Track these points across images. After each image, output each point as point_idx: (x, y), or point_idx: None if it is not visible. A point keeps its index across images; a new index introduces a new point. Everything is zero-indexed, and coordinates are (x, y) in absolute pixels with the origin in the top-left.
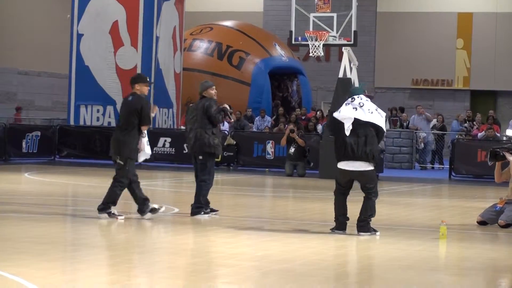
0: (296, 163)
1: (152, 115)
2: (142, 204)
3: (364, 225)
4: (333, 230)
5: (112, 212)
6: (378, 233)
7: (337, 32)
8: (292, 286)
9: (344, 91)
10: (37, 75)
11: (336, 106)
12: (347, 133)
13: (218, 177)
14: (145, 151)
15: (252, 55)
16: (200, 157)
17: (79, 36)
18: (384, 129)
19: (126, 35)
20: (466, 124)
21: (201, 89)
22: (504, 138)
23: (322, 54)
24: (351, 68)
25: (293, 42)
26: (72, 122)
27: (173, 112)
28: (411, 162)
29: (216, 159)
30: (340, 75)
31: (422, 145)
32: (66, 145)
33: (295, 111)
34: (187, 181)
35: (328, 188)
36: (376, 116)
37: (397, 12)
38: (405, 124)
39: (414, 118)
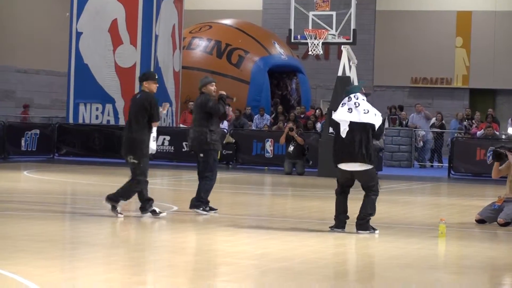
0: (295, 161)
1: (164, 112)
2: (145, 203)
3: (363, 224)
4: (332, 228)
5: (117, 208)
6: (377, 232)
7: (336, 31)
8: (291, 284)
9: (343, 89)
10: (36, 73)
11: (335, 104)
12: (343, 135)
13: (217, 175)
14: (150, 146)
15: (251, 53)
16: (201, 155)
17: (78, 34)
18: (379, 126)
19: (125, 33)
20: (465, 123)
21: (200, 84)
22: (503, 137)
23: (321, 52)
24: (350, 67)
25: (292, 40)
26: (71, 120)
27: (172, 110)
28: (410, 161)
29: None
30: (339, 73)
31: (421, 143)
32: (65, 143)
33: (294, 110)
34: (186, 179)
35: (327, 186)
36: (371, 115)
37: (396, 10)
38: (404, 122)
39: (413, 117)
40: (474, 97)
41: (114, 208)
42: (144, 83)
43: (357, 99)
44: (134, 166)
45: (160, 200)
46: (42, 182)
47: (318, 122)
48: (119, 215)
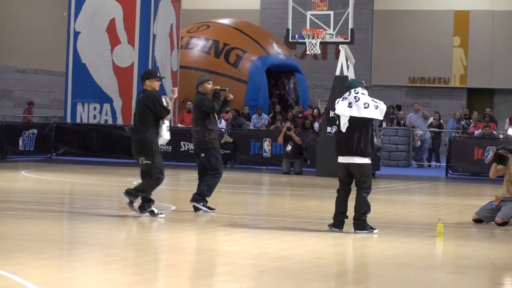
0: (293, 161)
1: (174, 96)
2: (145, 203)
3: (360, 223)
4: (331, 226)
5: (133, 203)
6: (375, 231)
7: (334, 30)
8: (288, 284)
9: (341, 89)
10: (34, 72)
11: (333, 104)
12: (343, 130)
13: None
14: (164, 136)
15: (249, 53)
16: (202, 155)
17: (76, 34)
18: (380, 118)
19: (123, 33)
20: (463, 122)
21: (197, 83)
22: (501, 136)
23: (319, 52)
24: (348, 66)
25: (290, 40)
26: (69, 120)
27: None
28: (408, 160)
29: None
30: (337, 73)
31: (419, 143)
32: (63, 143)
33: (292, 109)
34: (185, 179)
35: (325, 186)
36: (371, 109)
37: (394, 10)
38: (402, 122)
39: (411, 116)
40: (471, 97)
41: (131, 203)
42: (147, 81)
43: (357, 93)
44: (149, 167)
45: (158, 199)
46: (40, 182)
47: (316, 122)
48: (133, 211)
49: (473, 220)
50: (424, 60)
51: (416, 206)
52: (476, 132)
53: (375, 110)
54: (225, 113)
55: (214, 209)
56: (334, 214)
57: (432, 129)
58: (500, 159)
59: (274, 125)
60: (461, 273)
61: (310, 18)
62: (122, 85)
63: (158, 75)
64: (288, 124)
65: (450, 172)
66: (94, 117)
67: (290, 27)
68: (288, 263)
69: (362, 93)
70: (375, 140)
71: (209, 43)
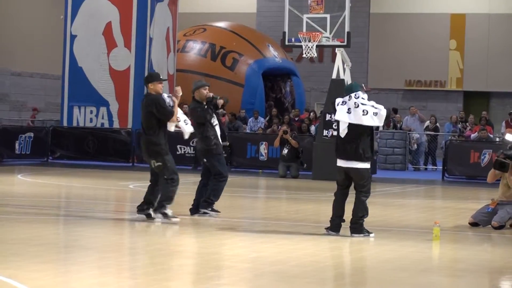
0: (290, 164)
1: (179, 95)
2: (145, 205)
3: (357, 227)
4: (327, 229)
5: (168, 213)
6: (372, 235)
7: (330, 33)
8: (285, 287)
9: (337, 92)
10: (30, 76)
11: (329, 107)
12: (342, 135)
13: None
14: (186, 130)
15: (245, 56)
16: (205, 160)
17: (73, 37)
18: (379, 124)
19: (119, 36)
20: (459, 125)
21: (193, 88)
22: (497, 139)
23: (316, 55)
24: (344, 69)
25: (286, 43)
26: (65, 123)
27: None
28: (404, 163)
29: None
30: (334, 76)
31: (416, 146)
32: (59, 147)
33: (289, 112)
34: (181, 183)
35: (321, 189)
36: (369, 117)
37: (390, 13)
38: (398, 125)
39: (407, 119)
40: (468, 100)
41: (165, 215)
42: (149, 85)
43: (357, 98)
44: (161, 169)
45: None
46: (36, 186)
47: (312, 125)
48: (173, 219)
49: (469, 223)
50: (421, 63)
51: (412, 210)
52: (473, 136)
53: (374, 117)
54: (221, 116)
55: (219, 211)
56: (331, 217)
57: (428, 132)
58: (501, 165)
59: (271, 128)
60: (457, 277)
61: (307, 21)
62: (118, 88)
63: (161, 77)
64: (284, 127)
65: (447, 176)
66: (91, 120)
67: (286, 30)
68: (285, 266)
69: (362, 98)
70: (375, 144)
71: (205, 46)
